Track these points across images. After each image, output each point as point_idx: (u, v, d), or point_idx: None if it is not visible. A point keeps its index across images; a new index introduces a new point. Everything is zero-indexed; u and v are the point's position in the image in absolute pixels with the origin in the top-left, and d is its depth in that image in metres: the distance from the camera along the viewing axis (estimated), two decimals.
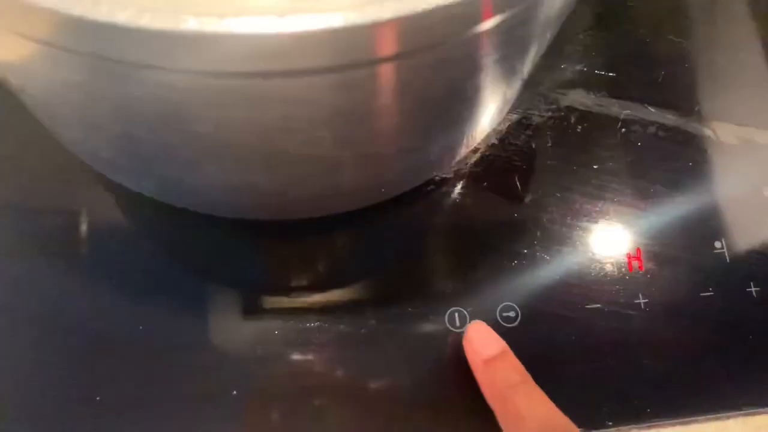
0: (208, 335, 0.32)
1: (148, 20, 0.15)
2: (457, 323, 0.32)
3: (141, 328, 0.32)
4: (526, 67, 0.28)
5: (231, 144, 0.22)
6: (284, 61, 0.17)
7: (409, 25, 0.17)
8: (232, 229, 0.33)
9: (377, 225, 0.34)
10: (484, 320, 0.32)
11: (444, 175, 0.34)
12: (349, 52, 0.17)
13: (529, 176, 0.35)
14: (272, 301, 0.33)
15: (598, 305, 0.33)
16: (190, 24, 0.15)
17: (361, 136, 0.23)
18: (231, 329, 0.33)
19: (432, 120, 0.25)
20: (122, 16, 0.15)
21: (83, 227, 0.34)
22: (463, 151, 0.33)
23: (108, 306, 0.32)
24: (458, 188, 0.34)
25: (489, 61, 0.23)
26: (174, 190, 0.29)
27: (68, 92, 0.21)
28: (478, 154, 0.35)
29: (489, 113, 0.30)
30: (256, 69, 0.18)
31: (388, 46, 0.18)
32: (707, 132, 0.36)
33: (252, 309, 0.33)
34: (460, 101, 0.25)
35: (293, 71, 0.18)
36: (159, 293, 0.32)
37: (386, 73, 0.19)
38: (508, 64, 0.25)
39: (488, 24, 0.19)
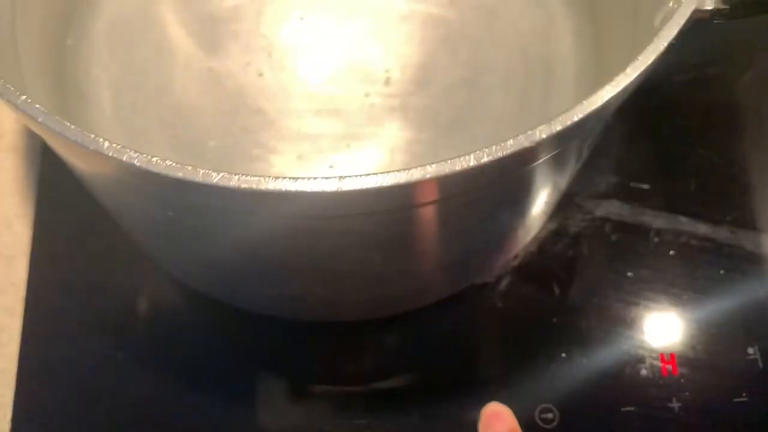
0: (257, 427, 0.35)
1: (236, 182, 0.19)
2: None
3: (189, 415, 0.35)
4: (565, 184, 0.31)
5: (292, 265, 0.25)
6: (340, 210, 0.21)
7: (448, 180, 0.20)
8: (285, 326, 0.37)
9: (421, 326, 0.36)
10: (522, 421, 0.34)
11: (485, 280, 0.37)
12: (394, 202, 0.20)
13: (566, 283, 0.37)
14: (319, 397, 0.36)
15: (633, 408, 0.34)
16: (269, 184, 0.19)
17: (405, 258, 0.26)
18: (280, 423, 0.35)
19: (472, 242, 0.28)
20: (217, 178, 0.19)
21: (142, 312, 0.37)
22: (504, 261, 0.36)
23: (158, 392, 0.35)
24: (499, 293, 0.37)
25: (525, 193, 0.26)
26: (238, 297, 0.33)
27: (156, 222, 0.25)
28: (517, 261, 0.38)
29: (528, 229, 0.33)
30: (317, 214, 0.21)
31: (428, 195, 0.21)
32: (737, 241, 0.38)
33: (299, 404, 0.35)
34: (498, 225, 0.28)
35: (346, 215, 0.21)
36: (208, 382, 0.35)
37: (427, 212, 0.22)
38: (546, 189, 0.28)
39: (526, 168, 0.22)
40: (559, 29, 0.38)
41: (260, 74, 0.38)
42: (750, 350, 0.36)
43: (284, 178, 0.19)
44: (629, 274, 0.37)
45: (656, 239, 0.38)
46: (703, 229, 0.38)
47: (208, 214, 0.22)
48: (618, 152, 0.41)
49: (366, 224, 0.22)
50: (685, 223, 0.39)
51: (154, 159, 0.19)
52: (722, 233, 0.38)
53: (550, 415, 0.34)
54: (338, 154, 0.36)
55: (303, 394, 0.36)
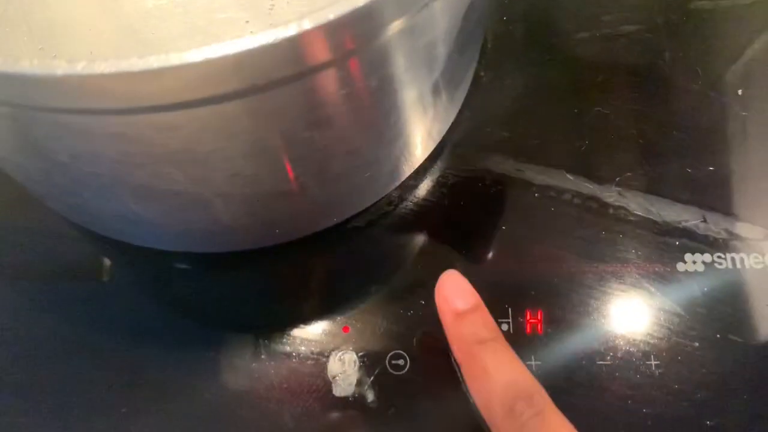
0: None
1: None
2: (346, 364, 0.33)
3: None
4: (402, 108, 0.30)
5: (91, 174, 0.24)
6: (104, 100, 0.19)
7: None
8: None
9: (279, 266, 0.35)
10: (374, 366, 0.33)
11: (356, 225, 0.36)
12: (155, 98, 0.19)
13: (437, 232, 0.36)
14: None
15: None
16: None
17: (211, 175, 0.25)
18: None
19: (285, 163, 0.26)
20: None
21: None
22: (366, 201, 0.34)
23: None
24: (367, 237, 0.36)
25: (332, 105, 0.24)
26: (72, 211, 0.32)
27: None
28: (392, 207, 0.36)
29: (370, 162, 0.31)
30: (85, 106, 0.20)
31: (199, 90, 0.20)
32: (625, 203, 0.37)
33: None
34: (314, 146, 0.27)
35: (115, 110, 0.20)
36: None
37: (206, 114, 0.21)
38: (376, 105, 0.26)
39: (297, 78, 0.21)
40: None
41: None
42: None
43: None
44: (504, 227, 0.36)
45: (537, 194, 0.37)
46: (588, 188, 0.37)
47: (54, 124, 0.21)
48: (510, 106, 0.39)
49: (139, 127, 0.21)
50: (571, 180, 0.37)
51: None
52: (609, 194, 0.37)
53: (401, 362, 0.33)
54: None
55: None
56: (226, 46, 0.18)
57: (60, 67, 0.18)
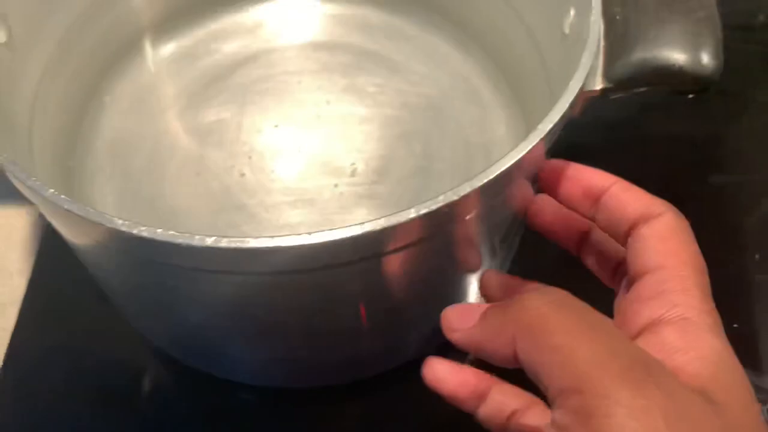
0: None
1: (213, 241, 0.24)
2: None
3: None
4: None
5: (217, 323, 0.30)
6: (314, 262, 0.25)
7: (391, 232, 0.24)
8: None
9: (339, 405, 0.40)
10: None
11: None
12: (358, 251, 0.25)
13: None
14: None
15: None
16: (251, 243, 0.24)
17: (309, 322, 0.30)
18: None
19: (365, 314, 0.32)
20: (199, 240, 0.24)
21: (121, 381, 0.41)
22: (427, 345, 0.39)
23: None
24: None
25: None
26: (214, 363, 0.37)
27: (142, 288, 0.31)
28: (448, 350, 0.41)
29: (434, 313, 0.36)
30: (293, 268, 0.25)
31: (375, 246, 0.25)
32: None
33: None
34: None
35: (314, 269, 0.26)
36: None
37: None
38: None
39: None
40: (494, 120, 0.45)
41: (242, 175, 0.43)
42: None
43: (262, 236, 0.23)
44: None
45: None
46: None
47: (197, 278, 0.27)
48: (548, 271, 0.44)
49: (338, 276, 0.27)
50: None
51: (144, 227, 0.24)
52: None
53: None
54: None
55: None
56: (346, 230, 0.24)
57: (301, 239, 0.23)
